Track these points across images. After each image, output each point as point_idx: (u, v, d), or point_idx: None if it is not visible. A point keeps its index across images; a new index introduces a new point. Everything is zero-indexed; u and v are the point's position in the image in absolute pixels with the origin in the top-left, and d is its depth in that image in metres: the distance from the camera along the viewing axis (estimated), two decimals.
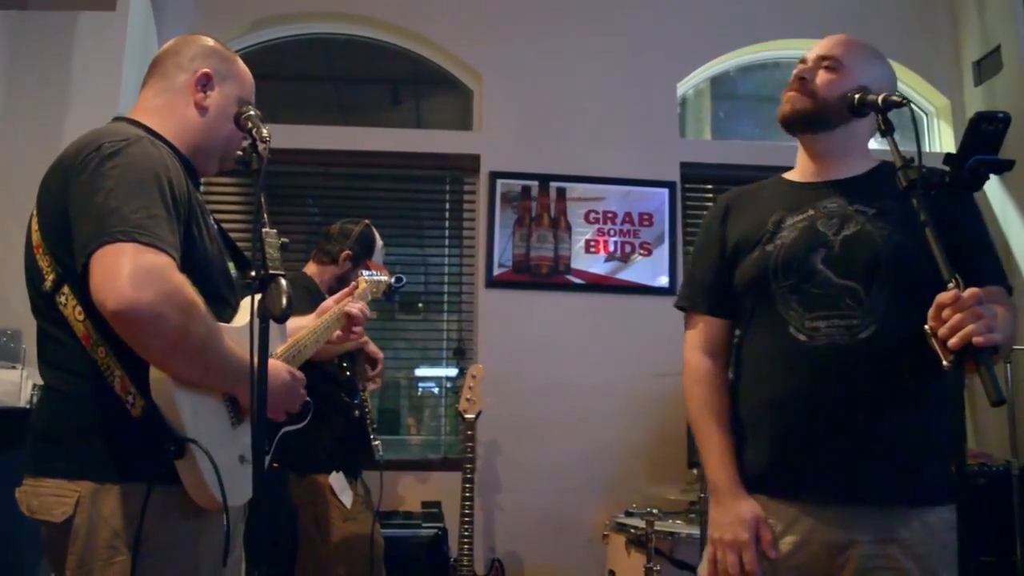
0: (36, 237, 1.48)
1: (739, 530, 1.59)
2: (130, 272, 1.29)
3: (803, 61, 1.75)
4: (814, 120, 1.70)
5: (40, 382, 3.01)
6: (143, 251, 1.32)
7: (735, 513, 1.61)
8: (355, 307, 2.08)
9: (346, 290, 2.18)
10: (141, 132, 1.53)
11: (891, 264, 1.57)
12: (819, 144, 1.73)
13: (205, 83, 1.63)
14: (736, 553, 1.58)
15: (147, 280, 1.30)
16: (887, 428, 1.54)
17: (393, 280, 2.70)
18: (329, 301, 2.09)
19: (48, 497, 1.41)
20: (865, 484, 1.54)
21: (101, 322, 1.36)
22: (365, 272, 2.58)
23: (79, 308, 1.41)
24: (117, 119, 1.63)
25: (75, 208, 1.39)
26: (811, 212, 1.67)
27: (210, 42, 1.69)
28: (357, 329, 2.09)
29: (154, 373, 1.38)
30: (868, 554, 1.52)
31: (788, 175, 1.82)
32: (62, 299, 1.43)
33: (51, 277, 1.44)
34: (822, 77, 1.69)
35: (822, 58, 1.71)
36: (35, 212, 1.51)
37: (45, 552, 1.46)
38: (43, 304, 1.47)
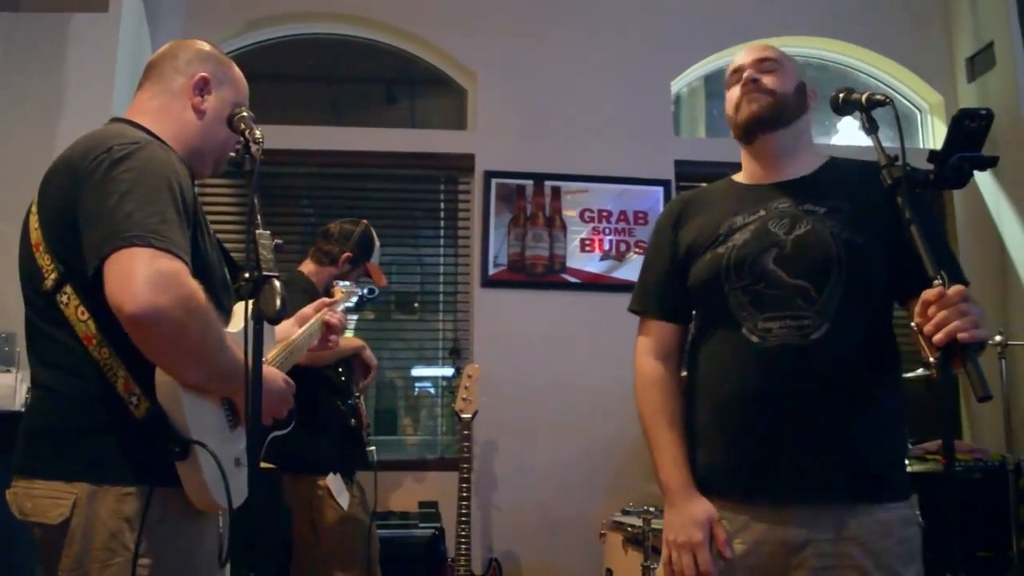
0: (36, 235, 1.48)
1: (693, 531, 1.59)
2: (147, 277, 1.30)
3: (738, 70, 1.75)
4: (775, 118, 1.70)
5: None
6: (158, 256, 1.33)
7: (688, 514, 1.61)
8: (334, 317, 2.10)
9: (325, 300, 2.19)
10: (148, 136, 1.53)
11: (842, 262, 1.57)
12: (776, 143, 1.73)
13: (203, 87, 1.64)
14: (690, 554, 1.59)
15: (164, 285, 1.31)
16: (840, 427, 1.55)
17: (365, 291, 2.75)
18: (308, 309, 2.09)
19: (43, 499, 1.40)
20: (819, 484, 1.54)
21: (105, 323, 1.37)
22: (340, 283, 2.61)
23: (82, 308, 1.41)
24: (115, 120, 1.64)
25: (86, 210, 1.40)
26: (762, 213, 1.67)
27: (206, 47, 1.70)
28: (333, 338, 2.10)
29: (161, 376, 1.39)
30: (824, 552, 1.53)
31: (737, 177, 1.83)
32: (63, 299, 1.43)
33: (52, 276, 1.44)
34: (769, 78, 1.71)
35: (759, 61, 1.73)
36: (35, 211, 1.51)
37: (39, 554, 1.44)
38: (41, 303, 1.47)
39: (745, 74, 1.73)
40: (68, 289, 1.43)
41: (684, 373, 1.80)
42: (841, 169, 1.73)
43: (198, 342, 1.37)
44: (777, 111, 1.70)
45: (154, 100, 1.63)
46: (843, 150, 4.27)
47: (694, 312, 1.79)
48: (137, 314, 1.30)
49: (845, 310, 1.56)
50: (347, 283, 2.62)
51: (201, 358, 1.40)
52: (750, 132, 1.72)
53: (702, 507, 1.62)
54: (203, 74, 1.64)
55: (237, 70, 1.73)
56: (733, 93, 1.75)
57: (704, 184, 1.90)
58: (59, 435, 1.43)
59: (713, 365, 1.68)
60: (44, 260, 1.45)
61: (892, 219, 1.46)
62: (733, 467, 1.62)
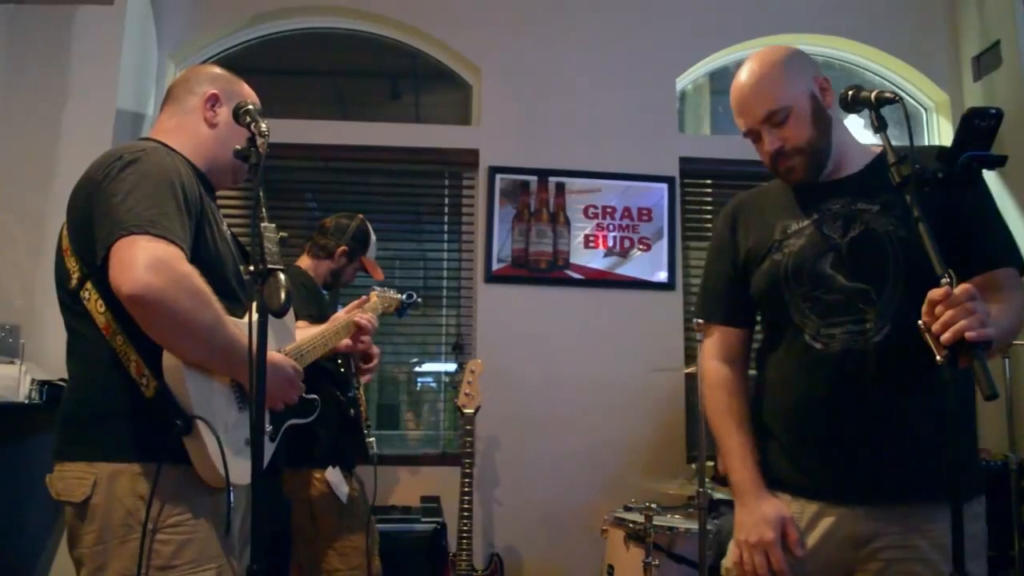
0: (65, 241, 1.63)
1: (764, 530, 1.60)
2: (143, 260, 1.42)
3: (751, 134, 1.68)
4: (819, 163, 1.67)
5: (38, 377, 3.05)
6: (155, 242, 1.46)
7: (759, 513, 1.62)
8: (364, 318, 2.28)
9: (357, 302, 2.38)
10: (157, 145, 1.69)
11: (900, 261, 1.57)
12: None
13: (214, 102, 1.80)
14: (763, 553, 1.59)
15: (158, 267, 1.43)
16: (906, 428, 1.55)
17: (404, 297, 2.85)
18: (340, 312, 2.29)
19: (71, 480, 1.53)
20: (888, 485, 1.55)
21: (120, 312, 1.50)
22: (377, 288, 2.73)
23: (100, 301, 1.55)
24: (139, 139, 1.78)
25: (97, 210, 1.53)
26: (816, 216, 1.67)
27: (216, 69, 1.87)
28: (365, 339, 2.28)
29: (166, 356, 1.50)
30: (894, 545, 1.53)
31: None
32: (86, 294, 1.57)
33: (76, 276, 1.59)
34: (787, 132, 1.64)
35: (766, 119, 1.64)
36: (66, 220, 1.66)
37: (67, 532, 1.56)
38: (70, 301, 1.61)
39: (768, 148, 1.66)
40: (89, 285, 1.57)
41: (753, 372, 1.81)
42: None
43: (191, 319, 1.47)
44: (817, 158, 1.66)
45: (171, 120, 1.80)
46: None
47: (759, 316, 1.80)
48: (134, 294, 1.42)
49: (906, 308, 1.53)
50: (385, 290, 2.74)
51: (196, 335, 1.49)
52: (809, 182, 1.69)
53: (772, 506, 1.62)
54: (213, 91, 1.80)
55: (246, 86, 1.87)
56: (759, 152, 1.70)
57: (752, 189, 1.87)
58: (83, 420, 1.56)
59: (779, 372, 1.69)
60: (71, 263, 1.61)
61: (942, 205, 1.45)
62: (802, 467, 1.63)
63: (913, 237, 1.52)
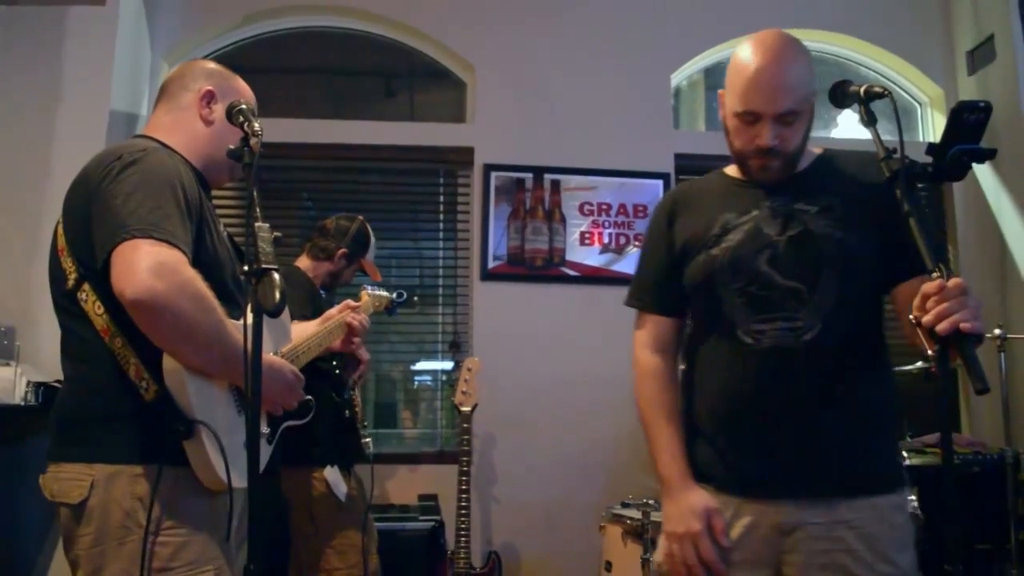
0: (61, 241, 1.61)
1: (692, 520, 1.61)
2: (146, 265, 1.41)
3: (753, 115, 1.59)
4: (792, 166, 1.67)
5: (34, 379, 3.04)
6: (158, 246, 1.44)
7: (686, 504, 1.63)
8: (356, 319, 2.25)
9: (349, 302, 2.35)
10: (156, 144, 1.67)
11: (835, 263, 1.59)
12: None
13: (209, 99, 1.77)
14: (691, 543, 1.60)
15: (162, 272, 1.42)
16: (831, 426, 1.58)
17: (395, 296, 2.83)
18: (333, 310, 2.26)
19: (67, 481, 1.51)
20: (811, 481, 1.57)
21: (119, 315, 1.49)
22: (369, 287, 2.71)
23: (98, 303, 1.53)
24: (134, 136, 1.77)
25: (96, 211, 1.52)
26: (755, 212, 1.67)
27: (211, 64, 1.85)
28: (356, 340, 2.26)
29: (168, 361, 1.49)
30: (817, 536, 1.55)
31: (729, 171, 1.80)
32: (83, 296, 1.55)
33: (73, 277, 1.57)
34: (786, 133, 1.60)
35: (782, 115, 1.58)
36: (60, 219, 1.64)
37: (62, 534, 1.54)
38: (66, 302, 1.59)
39: (764, 140, 1.59)
40: (86, 287, 1.55)
41: (682, 366, 1.81)
42: (834, 162, 1.72)
43: (194, 324, 1.46)
44: (793, 165, 1.66)
45: (166, 116, 1.77)
46: (843, 143, 4.27)
47: (690, 308, 1.80)
48: (136, 298, 1.40)
49: (838, 310, 1.58)
50: (376, 289, 2.73)
51: (198, 340, 1.48)
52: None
53: (699, 497, 1.64)
54: (208, 88, 1.77)
55: (242, 82, 1.85)
56: (743, 134, 1.63)
57: (695, 177, 1.89)
58: (80, 421, 1.55)
59: (708, 365, 1.70)
60: (67, 263, 1.58)
61: (883, 208, 1.46)
62: (728, 465, 1.64)
63: (851, 239, 1.58)
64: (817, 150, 1.74)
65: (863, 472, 1.59)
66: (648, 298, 1.83)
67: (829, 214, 1.62)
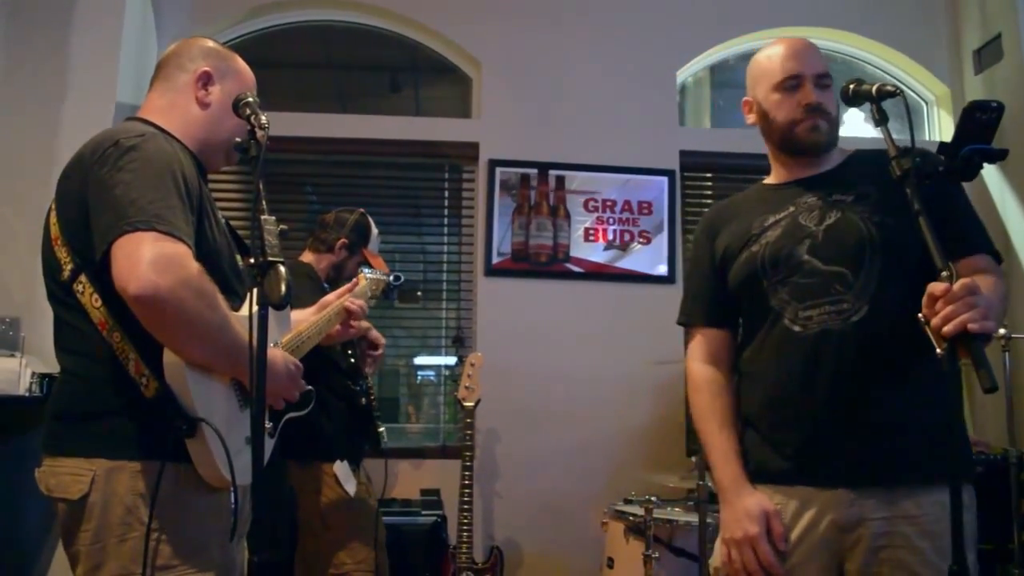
0: (55, 230, 1.55)
1: (748, 525, 1.60)
2: (151, 259, 1.36)
3: (796, 78, 1.70)
4: (834, 141, 1.74)
5: (39, 370, 3.04)
6: (162, 239, 1.39)
7: (743, 509, 1.63)
8: (355, 303, 2.19)
9: (347, 286, 2.31)
10: (155, 129, 1.60)
11: (876, 244, 1.60)
12: (822, 157, 1.75)
13: (206, 81, 1.70)
14: (750, 548, 1.59)
15: (167, 266, 1.37)
16: (888, 408, 1.56)
17: (391, 278, 2.79)
18: (331, 296, 2.20)
19: (65, 476, 1.47)
20: (872, 467, 1.55)
21: (117, 308, 1.45)
22: (366, 270, 2.67)
23: (96, 296, 1.48)
24: (129, 119, 1.70)
25: (94, 200, 1.46)
26: (791, 209, 1.70)
27: (209, 43, 1.77)
28: (355, 324, 2.20)
29: (168, 356, 1.44)
30: (880, 532, 1.53)
31: (767, 181, 1.86)
32: (79, 287, 1.50)
33: (69, 267, 1.51)
34: (826, 96, 1.70)
35: (820, 76, 1.71)
36: (53, 206, 1.58)
37: (60, 530, 1.51)
38: (60, 292, 1.54)
39: (811, 97, 1.68)
40: (83, 278, 1.50)
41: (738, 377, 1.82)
42: (864, 160, 1.75)
43: (199, 321, 1.42)
44: (835, 135, 1.73)
45: (162, 98, 1.70)
46: (848, 141, 4.25)
47: (741, 318, 1.81)
48: (140, 294, 1.36)
49: (883, 291, 1.58)
50: (373, 271, 2.69)
51: (203, 336, 1.45)
52: (806, 154, 1.73)
53: (755, 500, 1.63)
54: (205, 68, 1.70)
55: (241, 63, 1.78)
56: (787, 103, 1.71)
57: (732, 196, 1.94)
58: (79, 415, 1.50)
59: (760, 357, 1.70)
60: (62, 252, 1.53)
61: (928, 200, 1.46)
62: (783, 452, 1.63)
63: (890, 222, 1.59)
64: (847, 150, 1.78)
65: (924, 459, 1.53)
66: (696, 312, 1.86)
67: (865, 201, 1.64)
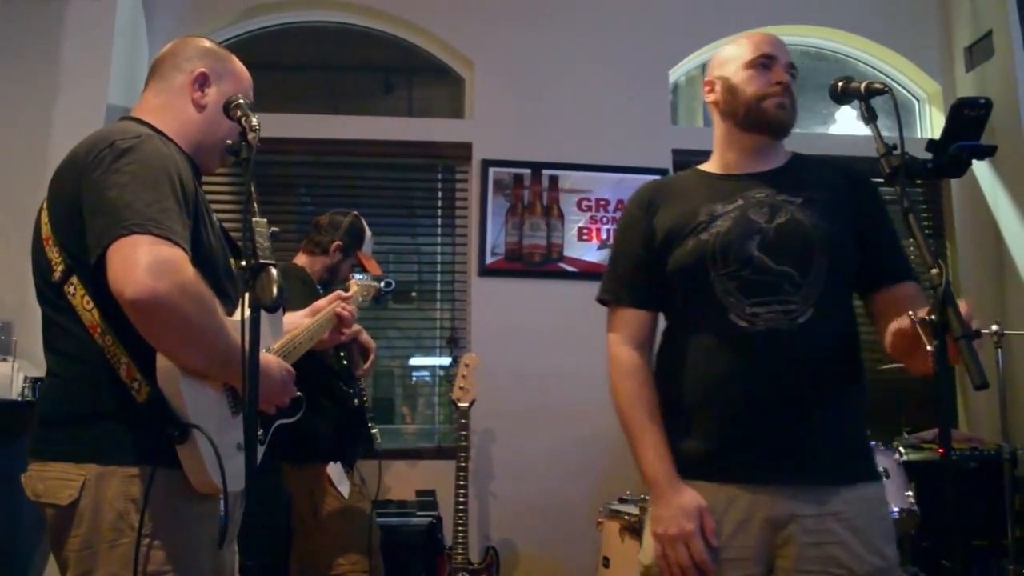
0: (46, 230, 1.53)
1: (683, 521, 1.58)
2: (147, 263, 1.34)
3: (769, 58, 1.74)
4: (790, 128, 1.76)
5: (31, 374, 3.02)
6: (158, 243, 1.38)
7: (677, 504, 1.61)
8: (345, 309, 2.20)
9: (338, 292, 2.31)
10: (150, 130, 1.58)
11: (823, 250, 1.62)
12: (772, 146, 1.77)
13: (202, 82, 1.69)
14: (683, 545, 1.58)
15: (163, 271, 1.35)
16: (827, 409, 1.59)
17: (382, 285, 2.80)
18: (322, 301, 2.20)
19: (54, 481, 1.45)
20: (807, 465, 1.58)
21: (109, 311, 1.42)
22: (357, 276, 2.68)
23: (87, 298, 1.46)
24: (123, 118, 1.69)
25: (89, 202, 1.44)
26: (740, 202, 1.69)
27: (205, 43, 1.75)
28: (346, 330, 2.21)
29: (161, 361, 1.43)
30: (809, 528, 1.55)
31: (705, 167, 1.84)
32: (71, 289, 1.48)
33: (60, 268, 1.49)
34: (793, 87, 1.75)
35: (790, 65, 1.76)
36: (45, 206, 1.56)
37: (49, 535, 1.49)
38: (51, 294, 1.52)
39: (783, 76, 1.73)
40: (74, 280, 1.48)
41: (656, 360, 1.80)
42: (807, 164, 1.79)
43: (196, 327, 1.41)
44: (792, 124, 1.75)
45: (157, 98, 1.68)
46: (841, 140, 4.27)
47: (669, 298, 1.76)
48: (137, 299, 1.34)
49: (827, 296, 1.61)
50: (364, 277, 2.70)
51: (199, 343, 1.43)
52: (767, 131, 1.74)
53: (690, 497, 1.61)
54: (201, 69, 1.69)
55: (238, 63, 1.77)
56: (759, 78, 1.73)
57: (667, 176, 1.99)
58: (68, 419, 1.48)
59: (698, 350, 1.67)
60: (53, 253, 1.51)
61: (858, 212, 1.61)
62: (721, 450, 1.63)
63: (836, 230, 1.64)
64: (788, 152, 1.80)
65: (852, 459, 1.62)
66: (624, 291, 1.78)
67: (813, 206, 1.66)
